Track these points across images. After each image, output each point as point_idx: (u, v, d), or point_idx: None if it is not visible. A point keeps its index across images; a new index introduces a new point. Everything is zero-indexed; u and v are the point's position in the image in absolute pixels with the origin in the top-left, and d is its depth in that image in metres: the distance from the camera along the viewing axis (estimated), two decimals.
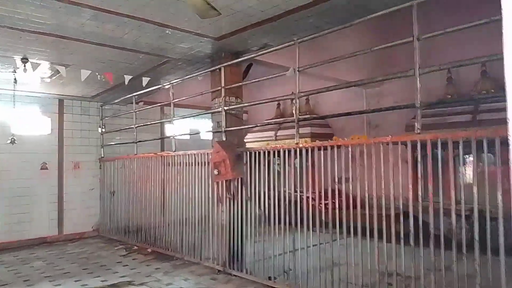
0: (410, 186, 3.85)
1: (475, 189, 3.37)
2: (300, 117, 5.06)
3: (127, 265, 6.51)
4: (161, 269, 6.18)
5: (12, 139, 6.95)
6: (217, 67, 6.09)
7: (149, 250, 7.37)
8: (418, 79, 3.64)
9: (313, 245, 4.76)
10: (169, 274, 5.90)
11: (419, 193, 6.01)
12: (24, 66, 6.15)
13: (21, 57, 6.04)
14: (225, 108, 5.90)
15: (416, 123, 3.71)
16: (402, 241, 3.83)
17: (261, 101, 6.01)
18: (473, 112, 6.67)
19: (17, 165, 8.28)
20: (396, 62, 5.99)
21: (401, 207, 3.93)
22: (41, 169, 8.65)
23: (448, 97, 7.19)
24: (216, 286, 5.26)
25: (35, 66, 6.24)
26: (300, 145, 4.88)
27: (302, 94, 4.96)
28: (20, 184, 8.31)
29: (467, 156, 4.95)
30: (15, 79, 6.76)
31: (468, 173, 5.72)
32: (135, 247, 7.67)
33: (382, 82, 8.88)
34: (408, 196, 3.84)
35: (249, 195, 5.61)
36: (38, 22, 4.82)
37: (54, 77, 7.26)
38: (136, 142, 8.18)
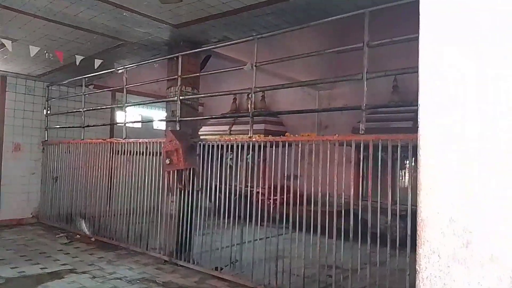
0: (352, 185, 4.08)
1: (409, 191, 3.65)
2: (254, 111, 5.16)
3: (68, 253, 6.27)
4: (105, 258, 6.03)
5: None
6: (174, 55, 6.01)
7: (93, 239, 7.14)
8: (365, 83, 3.86)
9: (259, 239, 4.89)
10: (113, 263, 5.77)
11: (360, 191, 6.35)
12: None
13: None
14: (181, 97, 5.86)
15: (361, 125, 3.94)
16: (342, 236, 4.06)
17: (217, 93, 6.06)
18: (414, 119, 7.14)
19: None
20: (349, 66, 6.25)
21: (342, 204, 4.15)
22: None
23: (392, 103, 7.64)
24: (161, 275, 5.23)
25: None
26: (253, 140, 4.98)
27: (258, 89, 5.06)
28: None
29: (406, 159, 5.32)
30: None
31: (406, 175, 6.15)
32: (78, 236, 7.39)
33: (334, 85, 9.23)
34: (350, 194, 4.07)
35: (200, 187, 5.62)
36: None
37: None
38: (83, 127, 7.86)
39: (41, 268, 5.39)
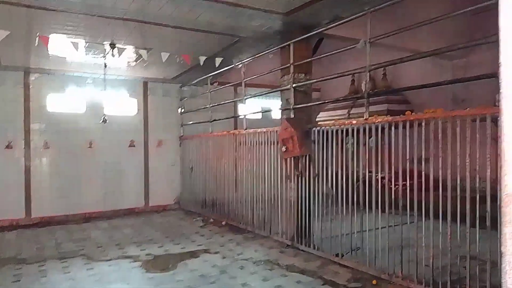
0: (489, 167, 3.50)
1: None
2: (371, 91, 4.86)
3: (203, 235, 6.98)
4: (234, 240, 6.52)
5: (104, 119, 7.74)
6: (286, 43, 6.06)
7: (224, 222, 7.78)
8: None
9: (382, 227, 4.62)
10: (241, 245, 6.19)
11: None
12: (112, 51, 6.76)
13: (109, 42, 6.65)
14: (294, 85, 5.88)
15: (496, 95, 3.34)
16: (477, 224, 3.54)
17: (329, 77, 5.88)
18: None
19: (109, 143, 9.24)
20: (488, 26, 5.37)
21: (477, 189, 3.61)
22: (129, 146, 9.54)
23: None
24: (284, 258, 5.40)
25: (120, 51, 6.82)
26: (369, 122, 4.70)
27: (373, 66, 4.74)
28: (112, 159, 9.28)
29: None
30: (105, 64, 7.46)
31: None
32: (211, 220, 8.15)
33: (471, 53, 8.05)
34: (487, 177, 3.50)
35: (316, 173, 5.59)
36: (122, 9, 5.25)
37: (139, 61, 7.87)
38: (211, 121, 8.56)
39: (181, 248, 6.13)
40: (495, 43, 3.03)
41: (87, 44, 6.66)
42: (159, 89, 9.99)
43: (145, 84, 9.81)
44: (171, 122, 10.09)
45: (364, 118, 4.76)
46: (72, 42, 6.31)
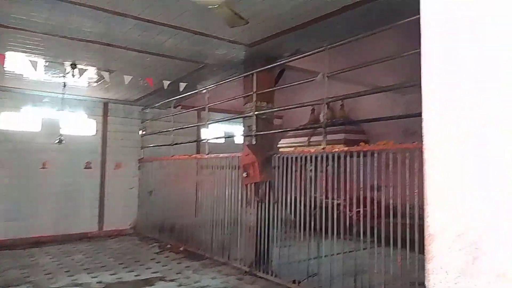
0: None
1: None
2: (328, 122, 5.10)
3: (159, 261, 6.80)
4: (191, 267, 6.40)
5: (60, 139, 7.48)
6: (249, 72, 6.24)
7: (181, 248, 7.63)
8: None
9: (337, 253, 4.76)
10: (198, 272, 6.09)
11: None
12: (73, 71, 6.64)
13: (70, 63, 6.54)
14: (256, 112, 6.04)
15: None
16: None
17: (289, 107, 6.11)
18: None
19: (64, 164, 8.89)
20: None
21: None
22: (85, 168, 9.23)
23: None
24: (242, 286, 5.38)
25: (82, 72, 6.72)
26: (327, 151, 4.90)
27: (330, 99, 4.99)
28: (66, 181, 8.91)
29: None
30: (64, 83, 7.29)
31: None
32: (169, 245, 7.96)
33: (420, 89, 8.65)
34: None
35: (276, 199, 5.69)
36: (87, 31, 5.22)
37: (100, 82, 7.75)
38: (173, 145, 8.51)
39: (135, 276, 5.93)
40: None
41: (48, 63, 6.51)
42: (120, 111, 9.82)
43: (106, 105, 9.63)
44: (131, 145, 9.90)
45: (322, 147, 4.96)
46: (30, 61, 6.14)
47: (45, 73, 7.11)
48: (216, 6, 3.46)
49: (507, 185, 0.55)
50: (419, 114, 3.31)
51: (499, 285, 0.53)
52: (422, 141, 2.86)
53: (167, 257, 7.18)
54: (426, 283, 0.69)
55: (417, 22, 3.60)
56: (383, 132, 9.15)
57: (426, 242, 0.69)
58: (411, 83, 4.70)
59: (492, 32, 0.68)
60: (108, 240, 8.76)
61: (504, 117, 0.60)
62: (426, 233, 0.68)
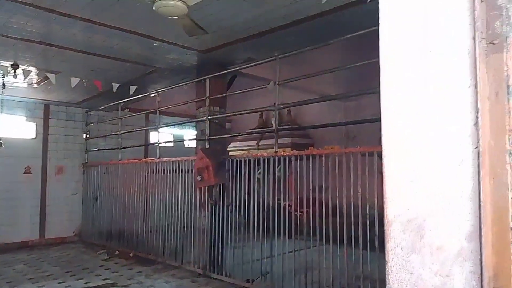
0: (376, 195, 4.17)
1: None
2: (279, 127, 5.39)
3: (109, 268, 6.65)
4: (143, 272, 6.35)
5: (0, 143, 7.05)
6: (202, 78, 6.36)
7: (131, 254, 7.51)
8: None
9: (289, 251, 5.04)
10: (151, 277, 6.07)
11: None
12: (15, 72, 6.30)
13: (12, 63, 6.20)
14: (209, 117, 6.18)
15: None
16: (368, 247, 4.15)
17: (242, 112, 6.32)
18: None
19: (1, 169, 8.33)
20: (374, 75, 6.37)
21: (367, 215, 4.25)
22: (25, 173, 8.72)
23: None
24: None
25: (26, 73, 6.40)
26: (278, 154, 5.19)
27: (281, 106, 5.29)
28: (3, 187, 8.36)
29: None
30: (3, 84, 6.89)
31: None
32: (117, 252, 7.79)
33: (361, 96, 9.32)
34: (374, 204, 4.16)
35: (230, 201, 5.86)
36: (30, 31, 5.02)
37: (42, 83, 7.41)
38: (120, 148, 8.34)
39: (85, 283, 5.77)
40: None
41: None
42: (62, 113, 9.41)
43: (47, 106, 9.17)
44: (74, 148, 9.51)
45: (274, 151, 5.24)
46: None
47: None
48: (176, 17, 3.57)
49: (441, 182, 0.76)
50: (362, 121, 3.70)
51: (438, 255, 0.76)
52: (361, 145, 3.20)
53: (116, 263, 7.04)
54: (386, 258, 0.90)
55: (358, 37, 3.98)
56: (325, 136, 9.73)
57: (385, 227, 0.89)
58: (356, 93, 5.13)
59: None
60: (51, 249, 8.34)
61: (440, 125, 0.79)
62: (385, 220, 0.88)
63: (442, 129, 0.74)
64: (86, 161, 9.50)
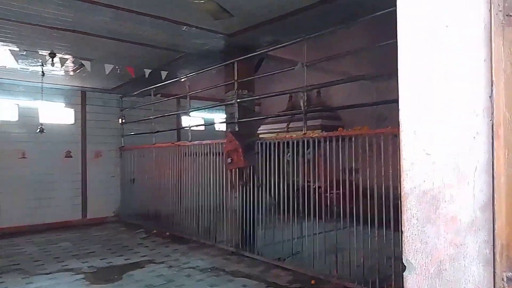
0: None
1: None
2: (308, 109, 5.39)
3: (147, 246, 7.00)
4: (179, 250, 6.64)
5: (41, 128, 7.46)
6: (230, 61, 6.42)
7: (167, 233, 7.84)
8: None
9: (319, 233, 5.11)
10: (186, 254, 6.34)
11: None
12: (52, 60, 6.60)
13: (49, 52, 6.49)
14: (238, 100, 6.25)
15: None
16: (400, 228, 4.14)
17: (270, 94, 6.36)
18: None
19: (43, 153, 8.84)
20: None
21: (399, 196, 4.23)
22: (66, 157, 9.20)
23: None
24: (229, 265, 5.67)
25: (63, 61, 6.69)
26: (307, 136, 5.21)
27: (309, 87, 5.27)
28: (46, 170, 8.87)
29: None
30: (42, 72, 7.23)
31: None
32: (154, 231, 8.15)
33: (390, 77, 9.08)
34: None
35: (260, 183, 5.97)
36: (65, 20, 5.24)
37: (78, 71, 7.72)
38: (154, 133, 8.61)
39: (125, 259, 6.12)
40: None
41: (24, 52, 6.45)
42: (98, 99, 9.79)
43: (83, 93, 9.56)
44: (110, 133, 9.90)
45: (303, 132, 5.26)
46: (9, 50, 6.09)
47: (21, 62, 7.02)
48: (202, 1, 3.62)
49: (457, 155, 0.79)
50: (391, 101, 3.64)
51: (452, 225, 0.79)
52: (394, 126, 3.17)
53: (154, 241, 7.38)
54: (402, 228, 0.94)
55: (383, 18, 3.91)
56: (356, 119, 9.58)
57: (402, 199, 0.93)
58: (384, 73, 5.04)
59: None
60: (92, 228, 8.85)
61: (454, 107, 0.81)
62: (402, 192, 0.92)
63: (457, 103, 0.76)
64: (122, 145, 9.89)
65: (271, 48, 6.12)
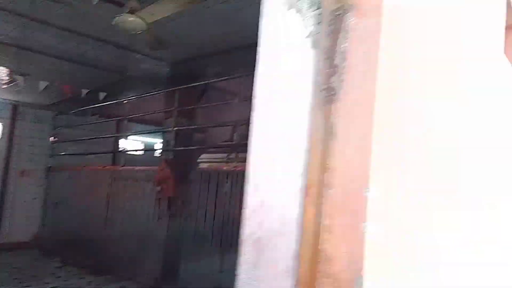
0: None
1: None
2: (241, 142, 5.45)
3: (59, 277, 6.44)
4: (93, 282, 6.18)
5: None
6: (171, 89, 6.39)
7: (86, 263, 7.29)
8: None
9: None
10: None
11: None
12: None
13: None
14: (175, 128, 6.18)
15: None
16: None
17: (208, 125, 6.36)
18: None
19: None
20: None
21: None
22: None
23: None
24: None
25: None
26: (238, 168, 5.22)
27: (244, 122, 5.35)
28: None
29: None
30: None
31: None
32: (72, 260, 7.55)
33: None
34: None
35: (190, 214, 5.82)
36: (2, 34, 4.97)
37: (11, 85, 7.29)
38: (85, 154, 8.21)
39: None
40: None
41: None
42: (30, 115, 9.21)
43: (15, 107, 8.97)
44: (39, 152, 9.27)
45: (235, 164, 5.28)
46: None
47: None
48: (140, 32, 3.62)
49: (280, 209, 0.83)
50: None
51: (272, 271, 0.82)
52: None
53: (69, 271, 6.82)
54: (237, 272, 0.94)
55: None
56: None
57: (240, 245, 0.96)
58: None
59: None
60: (4, 253, 8.02)
61: None
62: (240, 238, 0.94)
63: (283, 169, 0.83)
64: (50, 165, 9.27)
65: (212, 80, 6.20)
